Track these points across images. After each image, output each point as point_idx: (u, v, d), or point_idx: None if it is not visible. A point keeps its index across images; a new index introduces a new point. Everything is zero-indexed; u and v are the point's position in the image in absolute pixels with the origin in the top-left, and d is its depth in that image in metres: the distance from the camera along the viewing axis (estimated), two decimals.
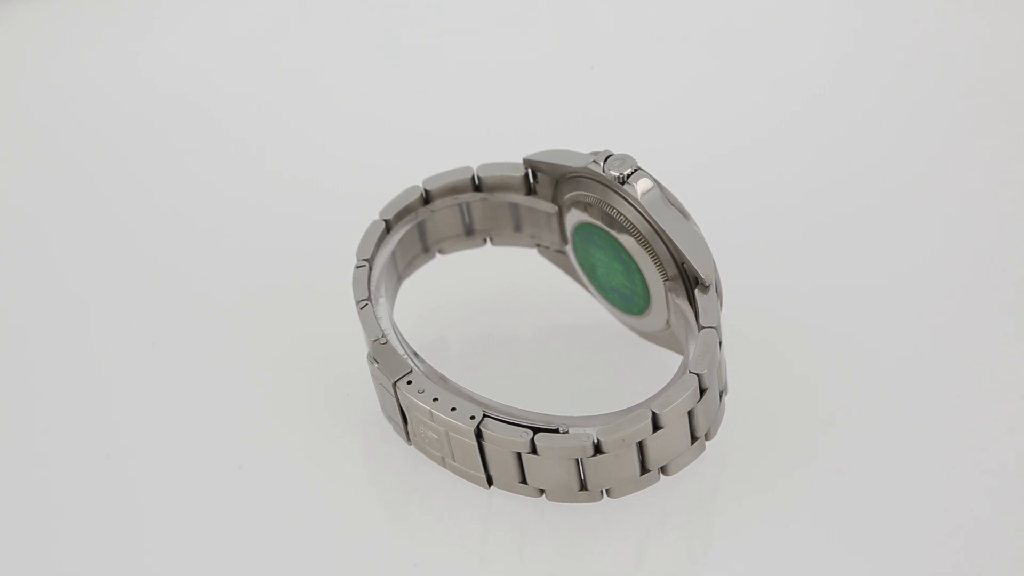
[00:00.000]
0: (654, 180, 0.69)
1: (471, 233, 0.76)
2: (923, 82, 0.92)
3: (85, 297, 0.81)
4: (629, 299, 0.73)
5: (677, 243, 0.68)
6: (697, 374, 0.65)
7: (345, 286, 0.71)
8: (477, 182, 0.74)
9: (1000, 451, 0.71)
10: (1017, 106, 0.90)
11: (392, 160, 0.87)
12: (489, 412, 0.66)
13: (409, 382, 0.67)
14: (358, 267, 0.71)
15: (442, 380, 0.68)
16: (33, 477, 0.71)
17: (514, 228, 0.76)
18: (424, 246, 0.76)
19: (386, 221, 0.73)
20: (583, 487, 0.67)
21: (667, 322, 0.72)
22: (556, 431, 0.65)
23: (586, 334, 0.77)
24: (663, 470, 0.67)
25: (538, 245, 0.77)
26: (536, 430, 0.65)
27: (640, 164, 0.70)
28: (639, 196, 0.69)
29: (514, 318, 0.78)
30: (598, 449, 0.65)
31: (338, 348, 0.74)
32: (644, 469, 0.67)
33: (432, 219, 0.75)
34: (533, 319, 0.78)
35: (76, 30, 0.99)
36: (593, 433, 0.64)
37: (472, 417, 0.65)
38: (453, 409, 0.66)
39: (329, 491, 0.70)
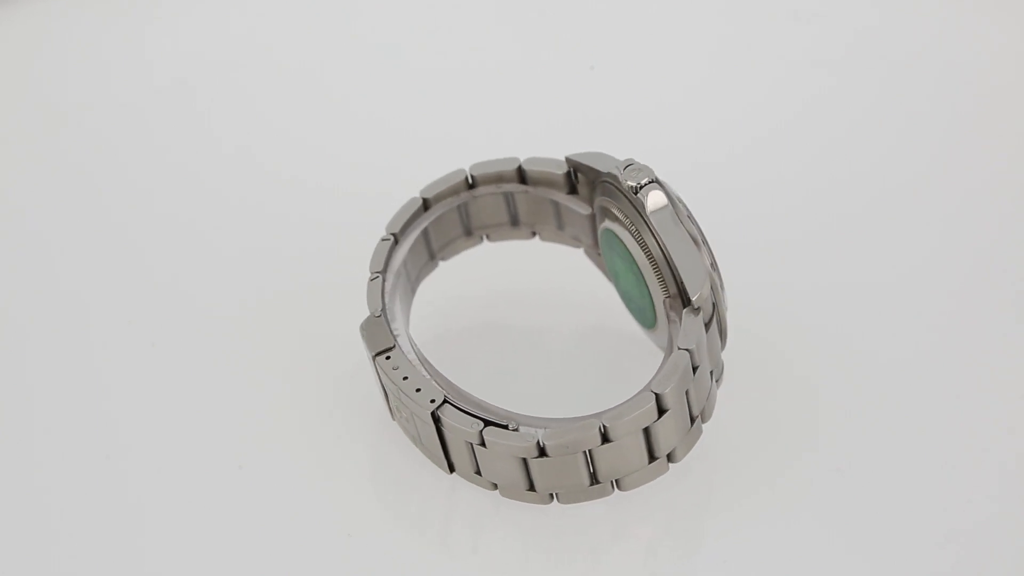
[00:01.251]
0: (668, 196, 0.68)
1: (516, 224, 0.77)
2: (923, 82, 0.91)
3: (85, 297, 0.82)
4: (642, 311, 0.72)
5: (674, 259, 0.67)
6: (656, 393, 0.65)
7: (345, 286, 0.73)
8: (522, 174, 0.75)
9: (1000, 451, 0.70)
10: (1018, 105, 0.89)
11: (391, 160, 0.88)
12: (451, 398, 0.66)
13: (388, 357, 0.68)
14: (383, 240, 0.73)
15: (424, 362, 0.69)
16: (33, 477, 0.72)
17: (557, 226, 0.76)
18: (467, 229, 0.77)
19: (425, 200, 0.74)
20: (531, 487, 0.67)
21: (669, 339, 0.71)
22: (506, 427, 0.65)
23: (618, 338, 0.77)
24: (617, 484, 0.67)
25: (583, 246, 0.77)
26: (488, 423, 0.65)
27: (659, 176, 0.70)
28: (648, 209, 0.68)
29: (550, 314, 0.78)
30: (543, 451, 0.65)
31: (339, 348, 0.75)
32: (594, 480, 0.66)
33: (475, 204, 0.76)
34: (569, 317, 0.78)
35: (76, 30, 1.00)
36: (539, 435, 0.65)
37: (432, 400, 0.66)
38: (418, 390, 0.67)
39: (329, 491, 0.71)
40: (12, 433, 0.74)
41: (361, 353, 0.69)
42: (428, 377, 0.67)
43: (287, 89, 0.95)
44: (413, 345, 0.69)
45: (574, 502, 0.67)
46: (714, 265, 0.69)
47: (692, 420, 0.67)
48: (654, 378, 0.65)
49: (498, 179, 0.75)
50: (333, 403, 0.74)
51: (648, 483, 0.67)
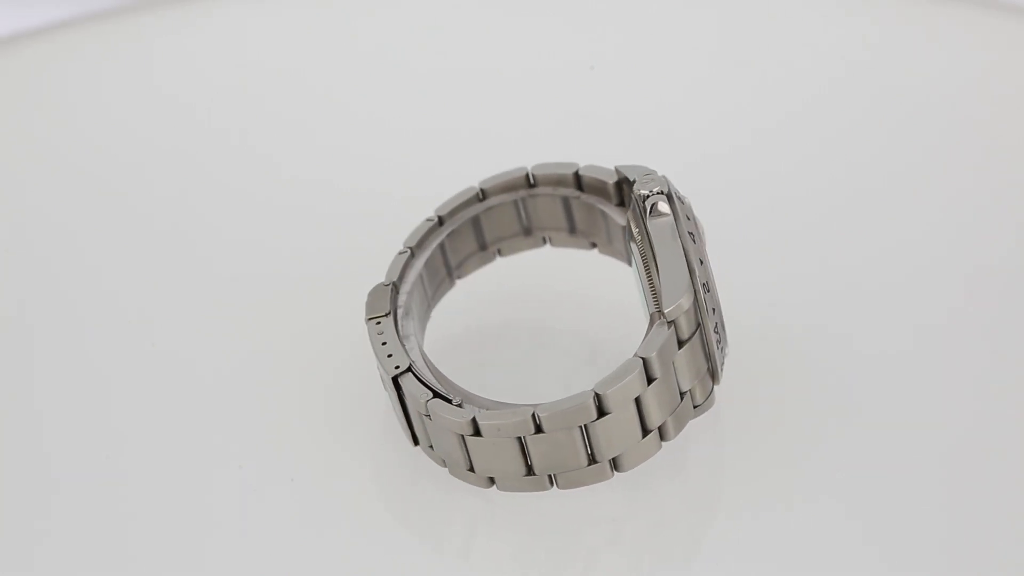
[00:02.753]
0: (676, 211, 0.68)
1: (573, 232, 0.77)
2: (924, 83, 0.90)
3: (84, 297, 0.83)
4: None
5: (659, 270, 0.66)
6: (598, 393, 0.64)
7: (345, 287, 0.74)
8: (578, 179, 0.75)
9: (1001, 451, 0.70)
10: (1018, 107, 0.88)
11: (392, 158, 0.89)
12: (416, 369, 0.68)
13: (378, 323, 0.70)
14: (427, 220, 0.75)
15: (408, 338, 0.71)
16: (32, 477, 0.73)
17: (607, 240, 0.76)
18: (524, 228, 0.77)
19: (483, 190, 0.76)
20: (471, 468, 0.67)
21: None
22: (450, 401, 0.66)
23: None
24: (555, 480, 0.66)
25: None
26: (437, 395, 0.67)
27: (679, 193, 0.69)
28: (648, 217, 0.68)
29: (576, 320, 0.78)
30: (476, 431, 0.65)
31: (340, 348, 0.76)
32: (529, 471, 0.66)
33: (533, 203, 0.76)
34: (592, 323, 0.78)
35: (90, 47, 1.02)
36: (476, 414, 0.65)
37: (397, 367, 0.68)
38: (389, 356, 0.69)
39: (328, 492, 0.71)
40: (12, 433, 0.75)
41: (364, 353, 0.70)
42: (403, 348, 0.69)
43: (289, 87, 0.96)
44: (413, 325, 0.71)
45: (512, 490, 0.67)
46: (707, 287, 0.67)
47: (645, 431, 0.66)
48: (600, 379, 0.65)
49: (558, 182, 0.75)
50: (335, 403, 0.75)
51: (588, 485, 0.66)
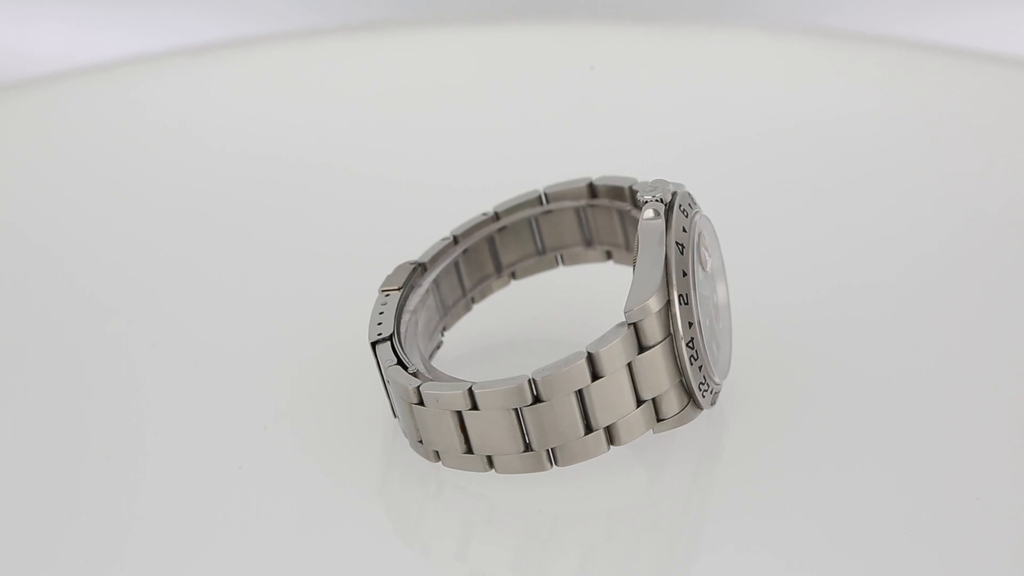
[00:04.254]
0: (668, 219, 0.67)
1: (629, 248, 0.76)
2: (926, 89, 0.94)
3: (84, 296, 0.84)
4: None
5: (635, 270, 0.66)
6: (532, 379, 0.64)
7: (347, 288, 0.77)
8: (632, 194, 0.74)
9: (1001, 453, 0.69)
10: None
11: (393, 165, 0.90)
12: (395, 342, 0.69)
13: (387, 295, 0.72)
14: (483, 214, 0.76)
15: (412, 312, 0.72)
16: (31, 477, 0.72)
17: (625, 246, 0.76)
18: (585, 239, 0.77)
19: (546, 195, 0.76)
20: (420, 440, 0.68)
21: None
22: (405, 368, 0.67)
23: None
24: (490, 461, 0.66)
25: None
26: (400, 363, 0.68)
27: (687, 205, 0.68)
28: (640, 220, 0.67)
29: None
30: (420, 400, 0.66)
31: (341, 347, 0.76)
32: (468, 448, 0.66)
33: (592, 213, 0.76)
34: None
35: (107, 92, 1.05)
36: (420, 383, 0.66)
37: (379, 335, 0.70)
38: (379, 324, 0.71)
39: (329, 492, 0.71)
40: (11, 433, 0.75)
41: (367, 355, 0.71)
42: (396, 320, 0.71)
43: (302, 100, 1.00)
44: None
45: (455, 467, 0.67)
46: (685, 299, 0.66)
47: (589, 429, 0.65)
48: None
49: (616, 195, 0.75)
50: (337, 403, 0.75)
51: (525, 473, 0.66)
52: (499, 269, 0.78)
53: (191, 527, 0.69)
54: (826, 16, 1.14)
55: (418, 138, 0.96)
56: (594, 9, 1.12)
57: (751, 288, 0.76)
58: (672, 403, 0.66)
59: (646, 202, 0.68)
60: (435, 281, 0.75)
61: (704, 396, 0.67)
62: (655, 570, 0.67)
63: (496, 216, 0.77)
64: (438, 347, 0.76)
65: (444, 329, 0.76)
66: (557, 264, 0.78)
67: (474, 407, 0.65)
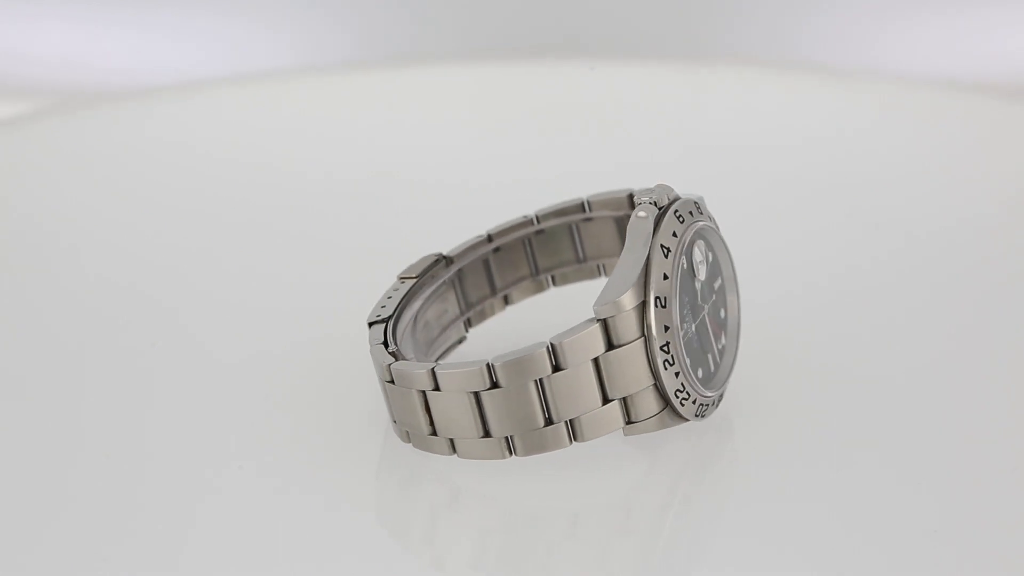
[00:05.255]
0: (658, 222, 0.66)
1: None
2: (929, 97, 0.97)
3: (84, 296, 0.84)
4: None
5: (617, 267, 0.65)
6: (489, 364, 0.64)
7: (346, 288, 0.78)
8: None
9: (1004, 453, 0.69)
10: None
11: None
12: (389, 325, 0.70)
13: (403, 282, 0.73)
14: (522, 217, 0.77)
15: (426, 301, 0.73)
16: (31, 476, 0.73)
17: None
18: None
19: (588, 203, 0.76)
20: (395, 420, 0.69)
21: None
22: (385, 347, 0.68)
23: None
24: (453, 445, 0.66)
25: None
26: (386, 344, 0.69)
27: (690, 213, 0.68)
28: (630, 219, 0.67)
29: None
30: (391, 378, 0.67)
31: (342, 347, 0.76)
32: (432, 430, 0.67)
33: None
34: None
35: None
36: (390, 361, 0.67)
37: (378, 316, 0.71)
38: (382, 307, 0.72)
39: (329, 492, 0.71)
40: (11, 433, 0.76)
41: (367, 357, 0.71)
42: (398, 306, 0.72)
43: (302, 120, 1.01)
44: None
45: (422, 448, 0.68)
46: (663, 303, 0.65)
47: (549, 421, 0.65)
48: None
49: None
50: (338, 403, 0.75)
51: (485, 459, 0.66)
52: (535, 272, 0.78)
53: (191, 527, 0.69)
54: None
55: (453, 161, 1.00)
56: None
57: (754, 296, 0.75)
58: (645, 406, 0.65)
59: (640, 203, 0.67)
60: (458, 275, 0.76)
61: (684, 405, 0.66)
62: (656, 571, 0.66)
63: (535, 220, 0.77)
64: (460, 341, 0.76)
65: (469, 324, 0.77)
66: (599, 274, 0.78)
67: (436, 387, 0.65)
